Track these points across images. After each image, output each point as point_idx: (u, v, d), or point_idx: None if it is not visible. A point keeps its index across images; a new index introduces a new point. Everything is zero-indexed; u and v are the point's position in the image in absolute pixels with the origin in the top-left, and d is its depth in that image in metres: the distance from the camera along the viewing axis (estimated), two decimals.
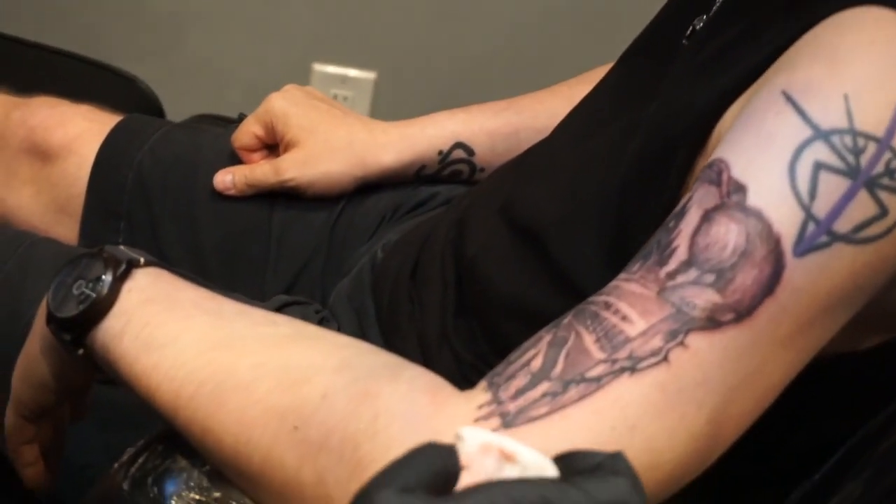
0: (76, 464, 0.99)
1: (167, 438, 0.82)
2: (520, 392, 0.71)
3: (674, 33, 0.93)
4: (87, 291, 0.82)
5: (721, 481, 0.78)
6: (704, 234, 0.73)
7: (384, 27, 1.95)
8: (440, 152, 1.21)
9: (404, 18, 1.92)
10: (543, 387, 0.71)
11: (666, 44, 0.94)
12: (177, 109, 1.48)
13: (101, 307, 0.81)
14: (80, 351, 0.82)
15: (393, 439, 0.70)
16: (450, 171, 1.22)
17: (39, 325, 0.85)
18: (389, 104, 1.94)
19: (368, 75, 1.97)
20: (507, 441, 0.54)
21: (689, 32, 0.91)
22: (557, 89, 1.25)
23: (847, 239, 0.72)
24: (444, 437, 0.58)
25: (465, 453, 0.54)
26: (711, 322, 0.70)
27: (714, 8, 0.90)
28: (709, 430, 0.71)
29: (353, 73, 1.96)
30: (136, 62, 1.58)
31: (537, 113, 1.22)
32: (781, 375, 0.73)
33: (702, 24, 0.90)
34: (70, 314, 0.82)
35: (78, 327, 0.82)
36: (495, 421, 0.70)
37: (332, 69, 1.97)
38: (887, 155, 0.72)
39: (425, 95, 1.88)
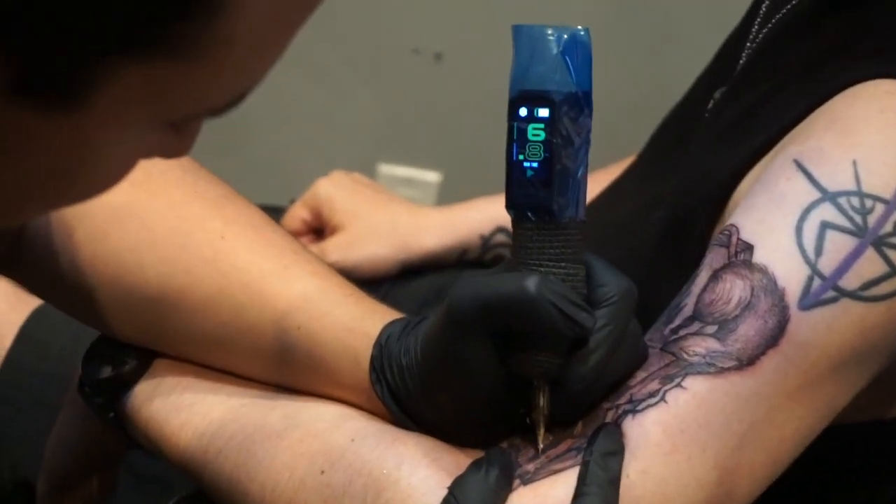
0: None
1: (195, 498, 0.82)
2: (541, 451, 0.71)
3: (697, 107, 0.94)
4: (121, 356, 0.82)
5: None
6: (711, 290, 0.73)
7: (449, 129, 1.96)
8: (482, 237, 1.22)
9: (469, 120, 1.93)
10: (567, 443, 0.71)
11: (690, 118, 0.95)
12: None
13: (133, 370, 0.81)
14: (111, 414, 0.82)
15: (414, 488, 0.70)
16: (492, 255, 1.22)
17: (72, 392, 0.86)
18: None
19: (433, 176, 1.98)
20: None
21: (710, 105, 0.92)
22: (596, 176, 1.25)
23: (855, 296, 0.72)
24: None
25: None
26: (711, 367, 0.70)
27: (732, 80, 0.90)
28: (718, 476, 0.70)
29: (417, 173, 1.98)
30: (206, 158, 1.59)
31: None
32: (793, 430, 0.72)
33: (720, 96, 0.90)
34: (103, 376, 0.82)
35: (110, 390, 0.82)
36: (515, 481, 0.69)
37: (397, 170, 1.99)
38: (895, 216, 0.72)
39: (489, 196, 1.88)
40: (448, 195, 1.96)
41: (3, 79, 0.46)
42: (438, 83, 1.95)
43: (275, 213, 1.31)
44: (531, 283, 0.66)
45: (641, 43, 1.90)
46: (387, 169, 1.99)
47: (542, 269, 0.68)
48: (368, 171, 1.97)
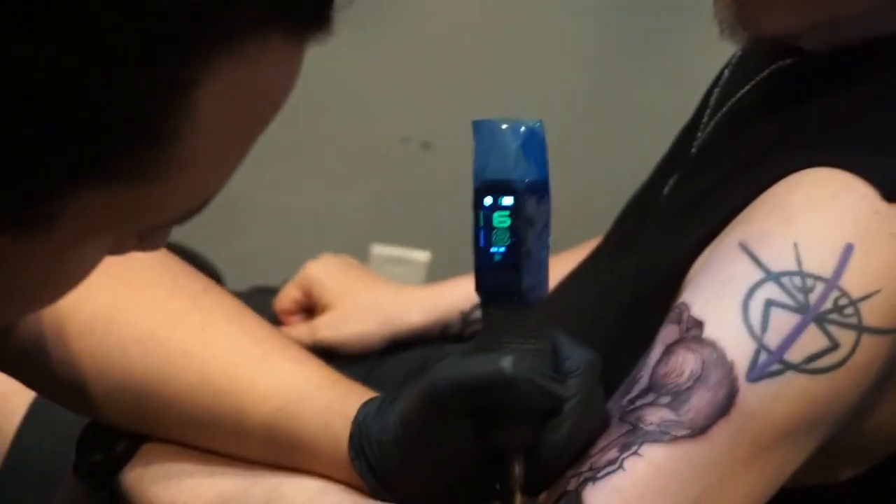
0: None
1: None
2: None
3: (655, 192, 0.96)
4: (111, 440, 0.83)
5: None
6: (664, 364, 0.74)
7: (437, 211, 1.98)
8: (461, 313, 1.23)
9: (456, 202, 1.95)
10: None
11: (648, 202, 0.96)
12: (236, 286, 1.51)
13: (123, 454, 0.82)
14: (105, 493, 0.83)
15: None
16: (471, 329, 1.23)
17: (68, 472, 0.87)
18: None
19: (422, 255, 2.00)
20: None
21: (665, 191, 0.94)
22: (564, 255, 1.27)
23: (799, 368, 0.73)
24: None
25: None
26: (665, 435, 0.72)
27: (683, 167, 0.93)
28: None
29: (408, 253, 2.00)
30: (207, 244, 1.61)
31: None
32: (744, 495, 0.73)
33: (673, 182, 0.92)
34: (95, 459, 0.83)
35: (102, 472, 0.83)
36: None
37: (389, 250, 2.01)
38: (835, 293, 0.74)
39: None
40: (437, 272, 1.98)
41: None
42: (427, 169, 1.98)
43: (272, 293, 1.33)
44: (506, 362, 0.68)
45: (612, 128, 1.93)
46: (379, 249, 2.01)
47: (514, 346, 0.70)
48: (362, 251, 1.99)
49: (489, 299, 0.71)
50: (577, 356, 0.72)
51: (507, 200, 0.70)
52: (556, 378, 0.70)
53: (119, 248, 0.55)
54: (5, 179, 0.46)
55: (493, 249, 0.70)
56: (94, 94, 0.45)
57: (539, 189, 0.70)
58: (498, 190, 0.70)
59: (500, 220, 0.70)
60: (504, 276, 0.70)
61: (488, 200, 0.70)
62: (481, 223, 0.70)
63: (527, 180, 0.69)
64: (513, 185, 0.70)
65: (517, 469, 0.71)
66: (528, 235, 0.70)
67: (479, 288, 0.71)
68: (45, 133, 0.46)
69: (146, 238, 0.54)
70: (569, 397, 0.70)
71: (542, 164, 0.70)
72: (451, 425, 0.70)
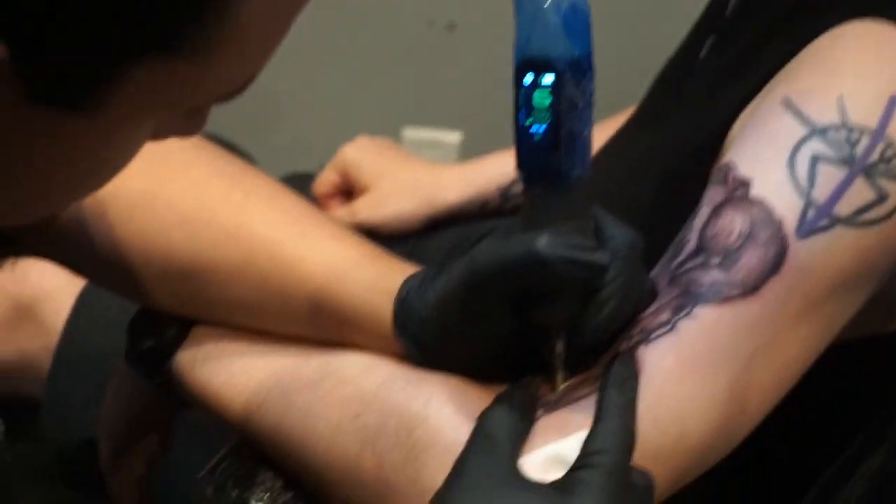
0: (171, 482, 1.01)
1: (245, 447, 0.83)
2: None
3: (690, 55, 0.94)
4: (161, 326, 0.83)
5: (750, 463, 0.77)
6: (712, 225, 0.73)
7: (466, 92, 1.97)
8: (500, 188, 1.22)
9: (484, 82, 1.93)
10: (585, 373, 0.71)
11: (684, 66, 0.95)
12: (272, 171, 1.50)
13: (173, 339, 0.82)
14: (158, 380, 0.84)
15: (443, 424, 0.71)
16: (511, 205, 1.23)
17: (121, 361, 0.87)
18: None
19: (454, 136, 1.99)
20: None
21: (702, 53, 0.92)
22: (600, 125, 1.26)
23: (848, 222, 0.72)
24: None
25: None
26: (717, 296, 0.71)
27: (721, 28, 0.91)
28: (730, 397, 0.71)
29: (439, 134, 1.99)
30: (241, 134, 1.60)
31: None
32: (798, 350, 0.73)
33: (711, 43, 0.91)
34: (146, 346, 0.83)
35: (154, 359, 0.83)
36: (539, 411, 0.70)
37: (420, 133, 2.00)
38: (881, 145, 0.73)
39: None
40: (469, 152, 1.97)
41: (25, 89, 0.47)
42: (453, 50, 1.96)
43: (306, 179, 1.33)
44: (542, 242, 0.67)
45: None
46: (410, 132, 2.00)
47: (553, 226, 0.68)
48: (393, 135, 1.98)
49: (530, 178, 0.70)
50: (619, 236, 0.71)
51: (548, 79, 0.68)
52: (596, 247, 0.69)
53: (161, 132, 0.54)
54: (68, 52, 0.46)
55: (533, 129, 0.68)
56: None
57: (581, 67, 0.68)
58: (538, 67, 0.68)
59: (541, 98, 0.68)
60: (544, 155, 0.68)
61: (528, 78, 0.68)
62: (522, 102, 0.68)
63: (567, 58, 0.67)
64: (553, 63, 0.67)
65: (558, 347, 0.71)
66: (569, 114, 0.68)
67: (520, 167, 0.70)
68: (109, 3, 0.45)
69: (192, 118, 0.54)
70: (611, 279, 0.69)
71: (585, 41, 0.68)
72: (490, 306, 0.70)
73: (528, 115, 0.68)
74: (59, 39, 0.46)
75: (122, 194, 0.79)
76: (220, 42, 0.48)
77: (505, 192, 1.22)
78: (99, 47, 0.46)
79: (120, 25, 0.46)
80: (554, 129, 0.68)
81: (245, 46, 0.50)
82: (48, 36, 0.46)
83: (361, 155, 1.25)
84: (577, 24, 0.68)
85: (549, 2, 0.67)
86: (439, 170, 1.25)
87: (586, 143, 0.69)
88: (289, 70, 1.67)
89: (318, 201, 1.26)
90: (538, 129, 0.68)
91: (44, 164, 0.51)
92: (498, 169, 1.22)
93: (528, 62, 0.68)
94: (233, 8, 0.47)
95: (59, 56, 0.46)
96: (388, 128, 1.96)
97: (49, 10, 0.45)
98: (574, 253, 0.67)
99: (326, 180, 1.26)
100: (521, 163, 0.70)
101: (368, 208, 1.22)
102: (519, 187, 0.72)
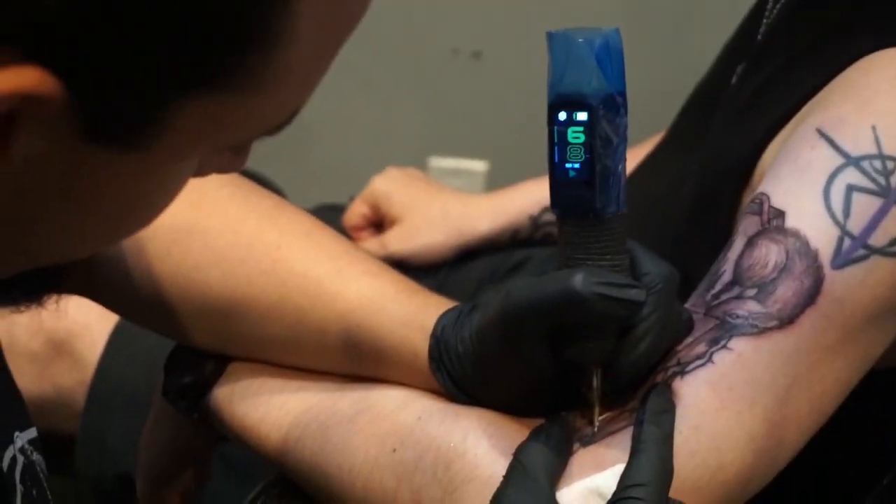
0: None
1: (282, 482, 0.83)
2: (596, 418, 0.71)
3: (720, 81, 0.94)
4: (199, 362, 0.83)
5: (789, 493, 0.76)
6: (747, 256, 0.73)
7: (492, 120, 1.97)
8: (531, 217, 1.22)
9: (510, 111, 1.94)
10: (621, 406, 0.71)
11: (713, 92, 0.95)
12: (300, 202, 1.50)
13: (211, 375, 0.82)
14: (196, 414, 0.83)
15: (481, 458, 0.70)
16: (542, 233, 1.23)
17: (158, 396, 0.87)
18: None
19: (480, 165, 1.99)
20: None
21: (733, 80, 0.92)
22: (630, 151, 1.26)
23: (884, 252, 0.72)
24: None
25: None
26: (754, 328, 0.70)
27: (751, 55, 0.90)
28: (767, 429, 0.70)
29: (465, 164, 1.99)
30: (271, 165, 1.61)
31: None
32: (834, 380, 0.72)
33: (741, 71, 0.90)
34: (184, 382, 0.83)
35: (192, 394, 0.83)
36: (575, 444, 0.70)
37: (446, 162, 2.00)
38: None
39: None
40: (496, 182, 1.97)
41: (79, 126, 0.47)
42: (478, 79, 1.96)
43: (336, 210, 1.33)
44: (577, 280, 0.66)
45: (665, 23, 1.89)
46: (436, 161, 2.00)
47: (589, 263, 0.68)
48: (419, 164, 1.98)
49: (565, 215, 0.69)
50: (655, 271, 0.70)
51: (582, 116, 0.67)
52: (633, 283, 0.68)
53: (205, 168, 0.54)
54: (115, 89, 0.46)
55: (567, 165, 0.68)
56: None
57: (615, 103, 0.67)
58: (572, 105, 0.67)
59: (575, 135, 0.67)
60: (579, 192, 0.68)
61: (562, 115, 0.67)
62: (556, 139, 0.68)
63: (602, 95, 0.67)
64: (587, 99, 0.67)
65: (595, 382, 0.70)
66: (604, 151, 0.67)
67: (555, 204, 0.69)
68: (161, 40, 0.45)
69: (236, 153, 0.54)
70: (647, 315, 0.69)
71: (619, 77, 0.67)
72: (526, 343, 0.69)
73: (563, 152, 0.68)
74: (114, 75, 0.46)
75: (159, 233, 0.79)
76: (268, 76, 0.48)
77: (536, 221, 1.22)
78: (151, 83, 0.46)
79: (171, 61, 0.46)
80: (589, 165, 0.67)
81: (293, 79, 0.50)
82: (104, 72, 0.45)
83: (391, 186, 1.25)
84: (611, 61, 0.67)
85: (582, 38, 0.67)
86: (469, 200, 1.25)
87: (620, 178, 0.69)
88: (315, 101, 1.66)
89: (348, 233, 1.26)
90: (573, 166, 0.68)
91: (92, 202, 0.51)
92: (528, 198, 1.22)
93: (561, 99, 0.67)
94: (281, 42, 0.48)
95: (114, 92, 0.46)
96: (413, 157, 1.96)
97: (104, 45, 0.45)
98: (610, 290, 0.67)
99: (356, 212, 1.26)
100: (556, 200, 0.69)
101: (399, 240, 1.22)
102: (550, 216, 0.71)
